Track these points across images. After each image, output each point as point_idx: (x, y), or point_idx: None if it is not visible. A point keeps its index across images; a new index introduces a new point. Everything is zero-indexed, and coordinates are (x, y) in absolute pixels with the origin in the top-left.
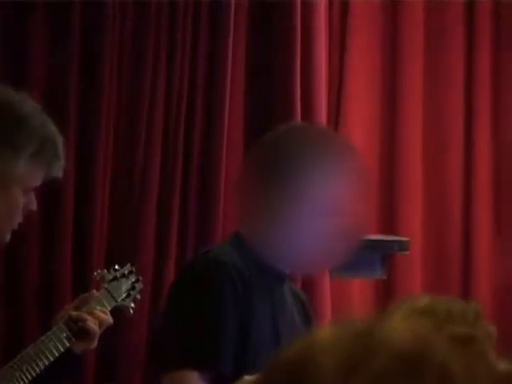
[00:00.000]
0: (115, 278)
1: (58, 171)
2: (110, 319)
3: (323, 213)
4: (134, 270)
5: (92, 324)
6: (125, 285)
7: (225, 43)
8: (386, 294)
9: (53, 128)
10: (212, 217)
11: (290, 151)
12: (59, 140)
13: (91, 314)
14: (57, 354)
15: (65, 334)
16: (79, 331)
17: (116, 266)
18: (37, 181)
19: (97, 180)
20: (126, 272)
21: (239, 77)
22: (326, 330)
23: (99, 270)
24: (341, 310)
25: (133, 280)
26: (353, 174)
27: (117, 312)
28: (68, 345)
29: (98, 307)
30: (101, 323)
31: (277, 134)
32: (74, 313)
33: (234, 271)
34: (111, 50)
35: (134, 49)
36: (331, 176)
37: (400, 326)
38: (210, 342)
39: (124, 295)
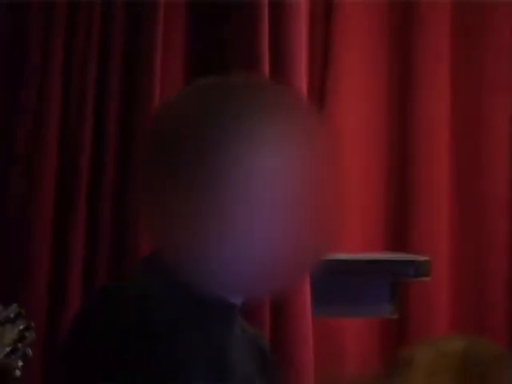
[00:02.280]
0: None
1: None
2: None
3: (268, 212)
4: (23, 312)
5: None
6: (9, 334)
7: None
8: (396, 337)
9: None
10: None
11: (203, 119)
12: None
13: None
14: None
15: None
16: None
17: None
18: None
19: None
20: (11, 315)
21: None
22: None
23: None
24: (329, 362)
25: (21, 327)
26: (315, 154)
27: None
28: None
29: None
30: None
31: (180, 97)
32: None
33: (146, 309)
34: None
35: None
36: (276, 156)
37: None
38: None
39: (8, 349)
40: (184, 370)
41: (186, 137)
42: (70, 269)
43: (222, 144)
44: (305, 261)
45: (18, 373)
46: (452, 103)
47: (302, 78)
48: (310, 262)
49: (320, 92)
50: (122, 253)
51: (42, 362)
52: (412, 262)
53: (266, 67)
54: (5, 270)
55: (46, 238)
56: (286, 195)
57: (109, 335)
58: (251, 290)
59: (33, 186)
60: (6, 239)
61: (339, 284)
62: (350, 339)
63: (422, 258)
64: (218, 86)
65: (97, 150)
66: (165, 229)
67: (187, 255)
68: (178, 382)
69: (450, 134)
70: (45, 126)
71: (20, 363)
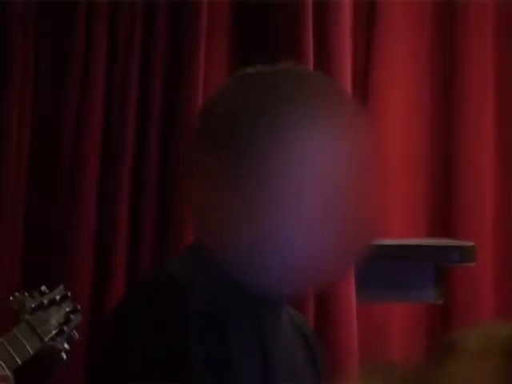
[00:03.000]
0: (41, 306)
1: None
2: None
3: (314, 198)
4: (68, 294)
5: None
6: (55, 316)
7: None
8: (441, 324)
9: None
10: (172, 219)
11: (252, 106)
12: None
13: None
14: None
15: None
16: None
17: (42, 288)
18: None
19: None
20: (57, 297)
21: None
22: (354, 382)
23: (17, 294)
24: (373, 349)
25: (67, 309)
26: (358, 143)
27: (43, 356)
28: None
29: None
30: None
31: (232, 86)
32: None
33: (198, 296)
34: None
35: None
36: (322, 142)
37: (470, 373)
38: None
39: (54, 332)
40: (234, 360)
41: (236, 127)
42: (115, 256)
43: (270, 135)
44: (352, 250)
45: (63, 355)
46: (496, 100)
47: (346, 78)
48: (356, 252)
49: (363, 90)
50: (165, 242)
51: (86, 345)
52: (457, 247)
53: (310, 67)
54: (51, 253)
55: (91, 224)
56: (333, 186)
57: (156, 325)
58: (299, 281)
59: (75, 187)
60: (53, 220)
61: (384, 269)
62: (394, 325)
63: (467, 244)
64: (267, 76)
65: (139, 151)
66: (211, 219)
67: (235, 248)
68: (230, 373)
69: (495, 123)
70: (87, 126)
71: (66, 346)
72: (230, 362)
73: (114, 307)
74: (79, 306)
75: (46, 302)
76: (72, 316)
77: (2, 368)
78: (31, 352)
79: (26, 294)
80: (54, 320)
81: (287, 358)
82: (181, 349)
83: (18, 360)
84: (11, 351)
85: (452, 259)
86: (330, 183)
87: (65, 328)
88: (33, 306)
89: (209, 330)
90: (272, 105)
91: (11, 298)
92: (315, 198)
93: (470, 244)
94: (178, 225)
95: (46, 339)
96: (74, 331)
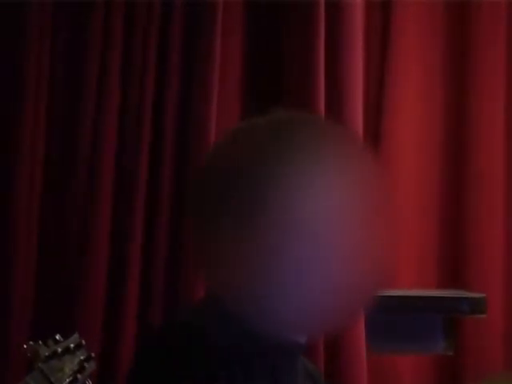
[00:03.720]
0: (55, 355)
1: None
2: None
3: (326, 253)
4: (83, 342)
5: None
6: (69, 364)
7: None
8: (451, 374)
9: None
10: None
11: (261, 161)
12: None
13: None
14: None
15: None
16: None
17: (57, 337)
18: None
19: None
20: (71, 345)
21: None
22: None
23: (31, 342)
24: None
25: (81, 357)
26: (367, 192)
27: None
28: None
29: None
30: None
31: (237, 133)
32: None
33: (214, 348)
34: None
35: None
36: (328, 190)
37: None
38: None
39: (68, 380)
40: None
41: (242, 176)
42: (126, 294)
43: (279, 185)
44: (361, 299)
45: None
46: (507, 103)
47: (358, 77)
48: (365, 300)
49: (376, 93)
50: (177, 281)
51: None
52: (467, 298)
53: (321, 73)
54: (63, 304)
55: (103, 262)
56: (343, 236)
57: (173, 373)
58: (310, 328)
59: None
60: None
61: (394, 320)
62: (404, 375)
63: (477, 295)
64: (274, 125)
65: (154, 155)
66: (219, 268)
67: (244, 297)
68: None
69: (506, 160)
70: (103, 125)
71: None
72: None
73: (136, 354)
74: (93, 355)
75: (59, 350)
76: (86, 364)
77: None
78: None
79: (40, 342)
80: (68, 368)
81: None
82: None
83: None
84: None
85: (462, 311)
86: (340, 233)
87: (79, 376)
88: (47, 354)
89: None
90: (279, 155)
91: (25, 346)
92: (325, 248)
93: (481, 295)
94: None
95: None
96: (88, 379)
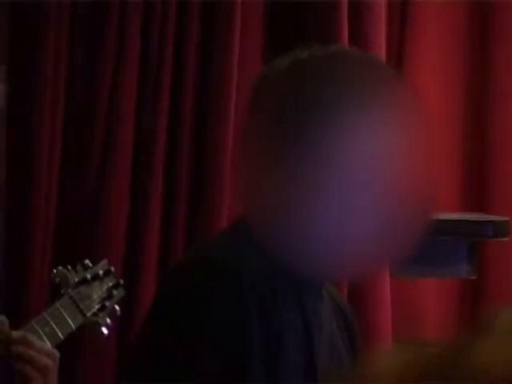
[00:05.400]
0: (84, 281)
1: None
2: (49, 361)
3: (368, 184)
4: (112, 269)
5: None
6: (98, 291)
7: None
8: (475, 300)
9: None
10: (212, 196)
11: (308, 90)
12: None
13: (21, 355)
14: None
15: None
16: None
17: (86, 262)
18: None
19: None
20: (100, 272)
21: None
22: (386, 360)
23: (60, 268)
24: (407, 325)
25: (110, 284)
26: (410, 124)
27: (84, 331)
28: None
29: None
30: (39, 369)
31: (278, 72)
32: None
33: (251, 280)
34: None
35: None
36: (371, 123)
37: (506, 348)
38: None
39: (96, 307)
40: (277, 345)
41: (295, 107)
42: (148, 226)
43: (327, 121)
44: (405, 235)
45: (105, 331)
46: None
47: None
48: (410, 236)
49: None
50: (196, 231)
51: (120, 325)
52: (490, 222)
53: None
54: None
55: (123, 214)
56: (387, 172)
57: (201, 308)
58: (351, 268)
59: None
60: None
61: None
62: (427, 300)
63: (500, 218)
64: (323, 60)
65: (171, 145)
66: (262, 199)
67: (286, 232)
68: (272, 357)
69: None
70: (119, 125)
71: (108, 321)
72: (282, 343)
73: (164, 288)
74: (122, 281)
75: (89, 276)
76: (114, 291)
77: (47, 344)
78: (73, 327)
79: (69, 267)
80: (97, 295)
81: (328, 335)
82: (238, 329)
83: (60, 335)
84: (54, 326)
85: (486, 234)
86: (384, 169)
87: (107, 303)
88: (76, 280)
89: (262, 312)
90: (328, 91)
91: (54, 271)
92: (370, 184)
93: (504, 219)
94: (211, 210)
95: (89, 314)
96: (116, 306)
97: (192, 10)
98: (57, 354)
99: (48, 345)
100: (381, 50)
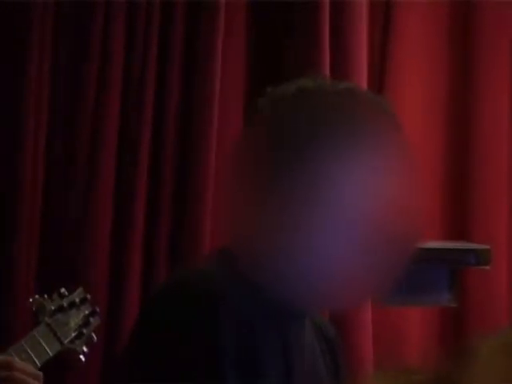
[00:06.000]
0: (61, 309)
1: None
2: (35, 382)
3: (358, 214)
4: (88, 296)
5: None
6: (74, 319)
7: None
8: (456, 326)
9: None
10: (194, 222)
11: (302, 126)
12: None
13: (7, 378)
14: None
15: None
16: None
17: (62, 291)
18: None
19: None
20: (76, 300)
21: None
22: None
23: (37, 296)
24: (388, 352)
25: (86, 312)
26: (399, 158)
27: (61, 358)
28: None
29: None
30: None
31: (282, 98)
32: None
33: (227, 309)
34: None
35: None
36: (368, 162)
37: (486, 378)
38: None
39: (73, 334)
40: (254, 370)
41: (294, 136)
42: (131, 252)
43: (323, 151)
44: (392, 268)
45: (82, 358)
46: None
47: (362, 78)
48: (398, 268)
49: (379, 89)
50: (180, 248)
51: (104, 348)
52: (472, 250)
53: (326, 68)
54: (68, 255)
55: (107, 223)
56: (376, 209)
57: (178, 334)
58: (335, 300)
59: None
60: (69, 225)
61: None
62: (409, 327)
63: (482, 247)
64: (330, 95)
65: (156, 144)
66: (250, 226)
67: (269, 261)
68: (260, 369)
69: (510, 131)
70: (103, 125)
71: (84, 348)
72: (259, 373)
73: (143, 312)
74: (98, 309)
75: (65, 304)
76: (91, 319)
77: (34, 365)
78: (51, 354)
79: (46, 296)
80: (74, 323)
81: (310, 365)
82: (211, 359)
83: (37, 362)
84: (31, 353)
85: (468, 262)
86: (374, 207)
87: (84, 331)
88: (53, 308)
89: (238, 343)
90: (330, 126)
91: (31, 299)
92: (360, 221)
93: (486, 247)
94: (194, 227)
95: (66, 342)
96: (93, 334)
97: (176, 9)
98: (41, 374)
99: (31, 367)
100: (362, 50)
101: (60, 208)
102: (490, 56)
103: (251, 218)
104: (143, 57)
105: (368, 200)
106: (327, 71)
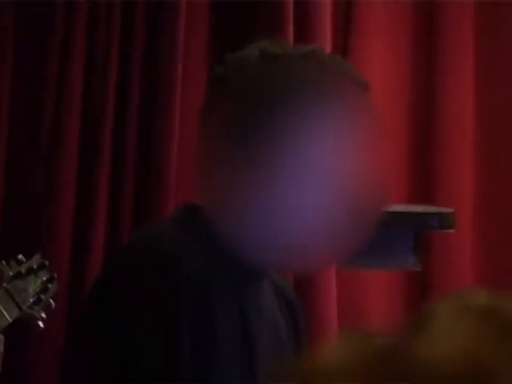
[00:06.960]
0: (19, 275)
1: None
2: None
3: (322, 178)
4: (46, 263)
5: None
6: (32, 285)
7: None
8: (421, 291)
9: None
10: (159, 185)
11: (269, 91)
12: None
13: None
14: None
15: None
16: None
17: (20, 257)
18: None
19: None
20: (34, 266)
21: None
22: (331, 350)
23: None
24: (352, 315)
25: (44, 278)
26: (364, 118)
27: (21, 324)
28: None
29: None
30: None
31: (246, 64)
32: None
33: (182, 267)
34: None
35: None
36: (331, 122)
37: (445, 341)
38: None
39: (31, 300)
40: (219, 332)
41: (258, 105)
42: (95, 219)
43: (288, 118)
44: (357, 232)
45: (41, 324)
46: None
47: None
48: (362, 232)
49: None
50: (153, 197)
51: (66, 314)
52: (436, 213)
53: None
54: (29, 221)
55: (71, 187)
56: (341, 168)
57: (138, 292)
58: (295, 261)
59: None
60: (33, 190)
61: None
62: (373, 291)
63: (446, 210)
64: (295, 60)
65: (118, 134)
66: (221, 189)
67: (235, 220)
68: (215, 345)
69: (475, 89)
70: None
71: (43, 315)
72: (215, 334)
73: (103, 271)
74: (56, 275)
75: (23, 270)
76: (49, 285)
77: None
78: (10, 320)
79: (4, 262)
80: (32, 289)
81: (270, 327)
82: (169, 321)
83: None
84: None
85: (431, 226)
86: (337, 169)
87: (42, 297)
88: (11, 274)
89: (196, 304)
90: (295, 90)
91: None
92: (324, 183)
93: (450, 210)
94: (158, 197)
95: (24, 307)
96: (51, 300)
97: (137, 9)
98: (1, 337)
99: None
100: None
101: (23, 181)
102: (453, 53)
103: (219, 178)
104: (105, 56)
105: (333, 163)
106: None
